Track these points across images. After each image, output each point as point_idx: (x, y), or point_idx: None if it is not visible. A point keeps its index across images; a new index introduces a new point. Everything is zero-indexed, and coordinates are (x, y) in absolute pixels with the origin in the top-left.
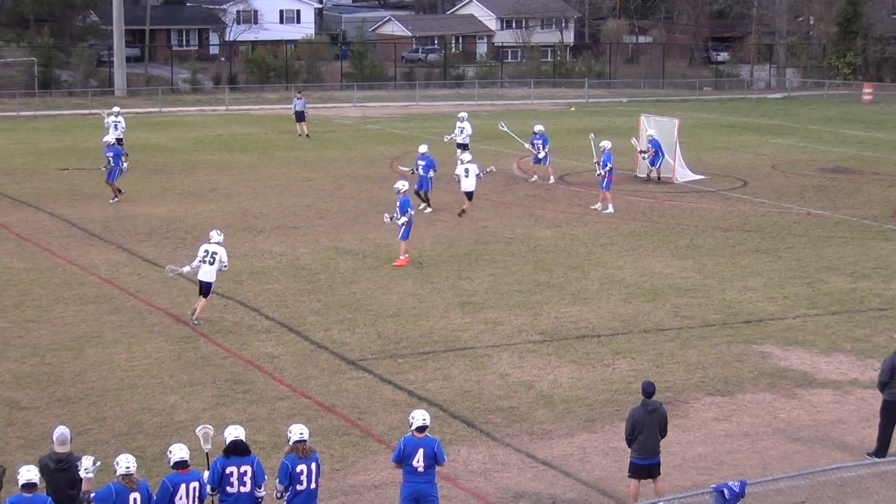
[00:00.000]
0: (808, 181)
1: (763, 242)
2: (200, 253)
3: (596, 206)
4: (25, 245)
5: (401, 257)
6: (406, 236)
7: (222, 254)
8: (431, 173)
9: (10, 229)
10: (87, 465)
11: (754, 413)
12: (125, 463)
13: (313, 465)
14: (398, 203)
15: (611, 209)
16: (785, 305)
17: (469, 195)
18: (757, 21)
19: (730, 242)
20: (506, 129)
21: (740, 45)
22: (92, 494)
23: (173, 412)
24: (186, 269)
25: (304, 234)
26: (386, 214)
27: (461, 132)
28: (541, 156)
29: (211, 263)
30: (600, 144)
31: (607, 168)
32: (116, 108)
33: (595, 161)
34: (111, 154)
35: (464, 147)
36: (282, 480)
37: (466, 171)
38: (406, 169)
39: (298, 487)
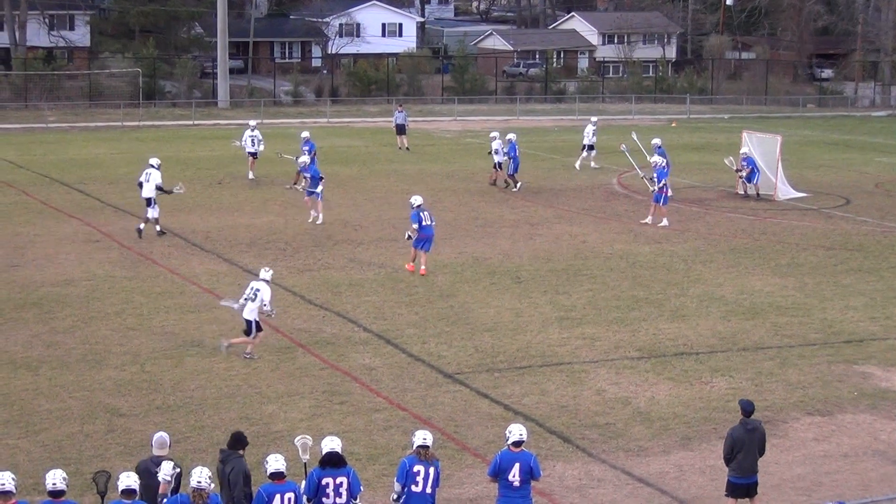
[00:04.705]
0: None
1: (865, 261)
2: (247, 291)
3: (646, 221)
4: (128, 254)
5: (411, 262)
6: (417, 245)
7: (265, 292)
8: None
9: (113, 238)
10: (166, 470)
11: (854, 434)
12: (197, 477)
13: (431, 470)
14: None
15: (665, 222)
16: (887, 325)
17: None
18: (862, 38)
19: (831, 261)
20: (625, 150)
21: (845, 62)
22: (165, 500)
23: (271, 422)
24: (236, 305)
25: (403, 247)
26: (407, 232)
27: (497, 153)
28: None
29: (251, 300)
30: (652, 160)
31: (662, 183)
32: (253, 122)
33: (643, 171)
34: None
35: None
36: (399, 479)
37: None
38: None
39: (413, 489)
